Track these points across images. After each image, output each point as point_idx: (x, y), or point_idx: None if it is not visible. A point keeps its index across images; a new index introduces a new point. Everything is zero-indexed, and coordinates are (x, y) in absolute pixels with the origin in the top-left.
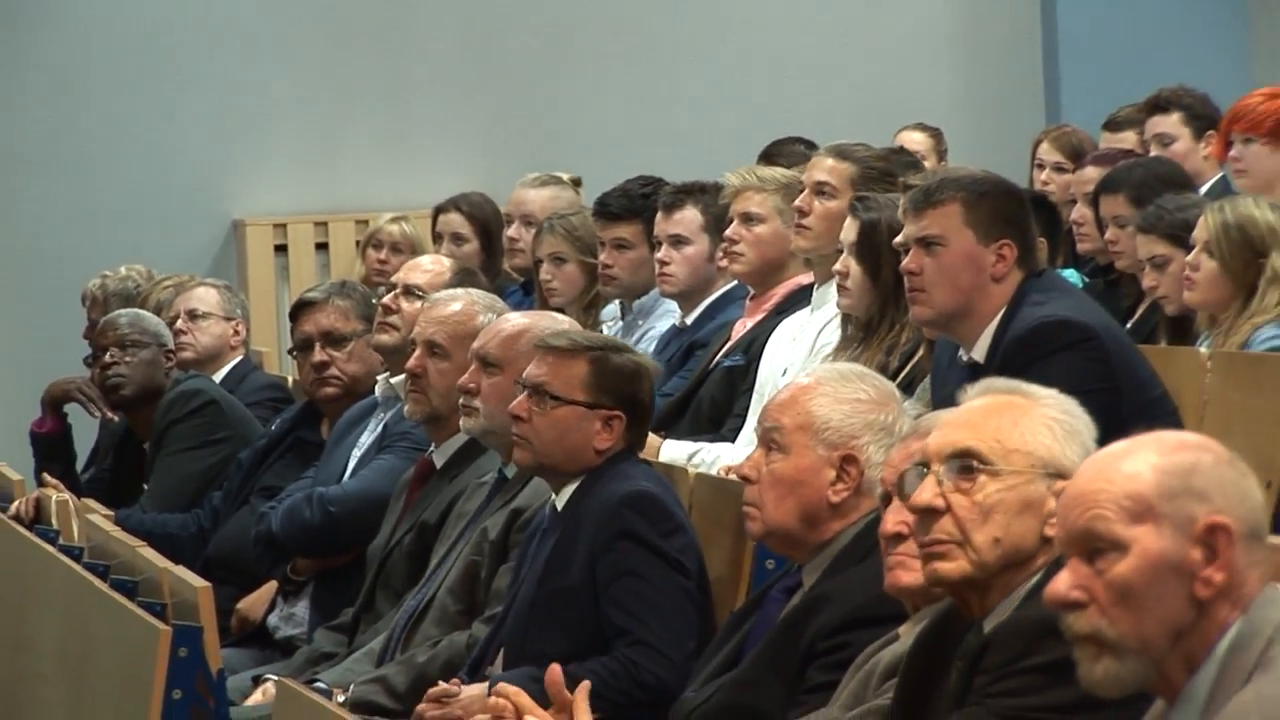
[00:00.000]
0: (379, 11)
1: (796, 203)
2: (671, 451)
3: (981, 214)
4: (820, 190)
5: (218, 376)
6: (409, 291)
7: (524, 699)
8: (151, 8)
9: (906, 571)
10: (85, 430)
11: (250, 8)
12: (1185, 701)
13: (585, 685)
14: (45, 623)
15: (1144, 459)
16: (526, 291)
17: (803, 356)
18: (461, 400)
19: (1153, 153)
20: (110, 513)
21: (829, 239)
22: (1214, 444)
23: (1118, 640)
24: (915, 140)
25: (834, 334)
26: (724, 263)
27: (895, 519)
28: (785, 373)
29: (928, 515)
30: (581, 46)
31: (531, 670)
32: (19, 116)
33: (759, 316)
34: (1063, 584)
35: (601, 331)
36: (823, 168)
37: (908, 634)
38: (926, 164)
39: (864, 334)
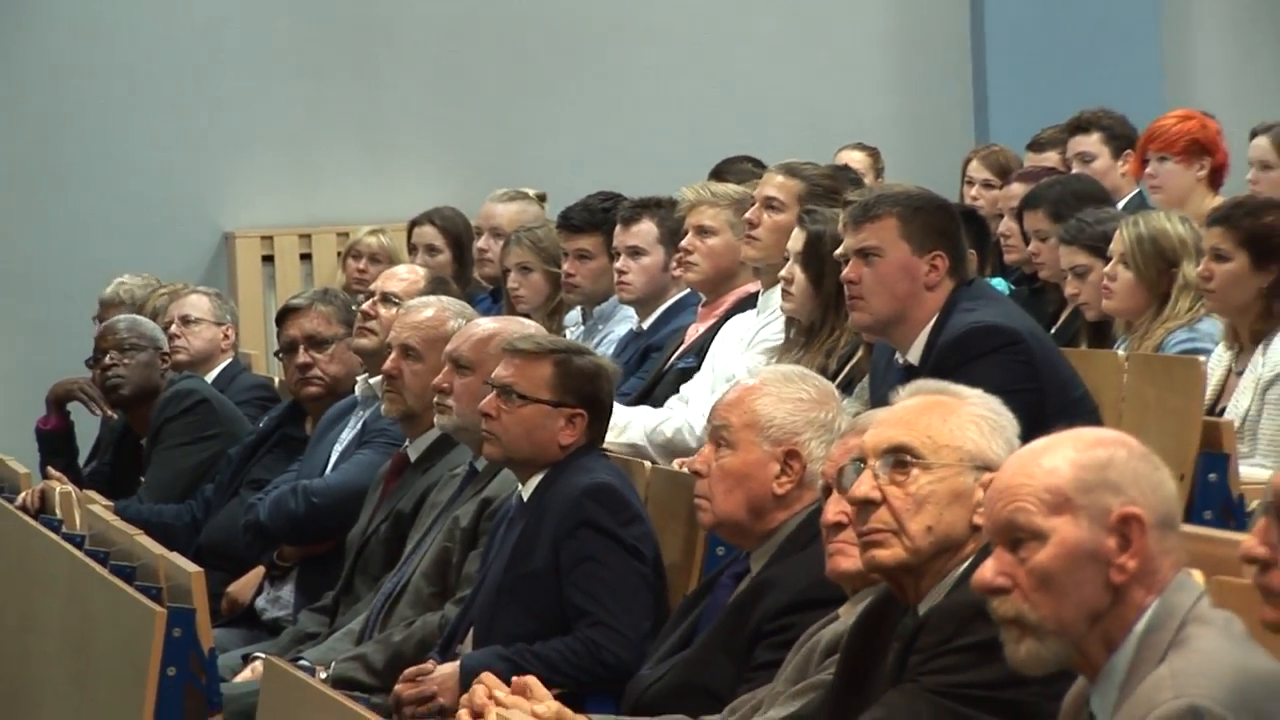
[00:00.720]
0: (358, 41)
1: (747, 215)
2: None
3: (916, 227)
4: (770, 204)
5: (209, 377)
6: (386, 299)
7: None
8: (146, 41)
9: (846, 558)
10: (87, 427)
11: (239, 39)
12: (1105, 678)
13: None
14: (50, 605)
15: (1062, 455)
16: (495, 299)
17: (741, 350)
18: (435, 399)
19: (1075, 170)
20: (110, 503)
21: (776, 249)
22: (1129, 440)
23: (1039, 623)
24: (854, 159)
25: (772, 330)
26: (678, 272)
27: (835, 509)
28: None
29: (865, 506)
30: (546, 72)
31: (499, 649)
32: (28, 139)
33: (710, 321)
34: (988, 571)
35: (564, 336)
36: (773, 184)
37: (847, 615)
38: (865, 181)
39: (806, 337)
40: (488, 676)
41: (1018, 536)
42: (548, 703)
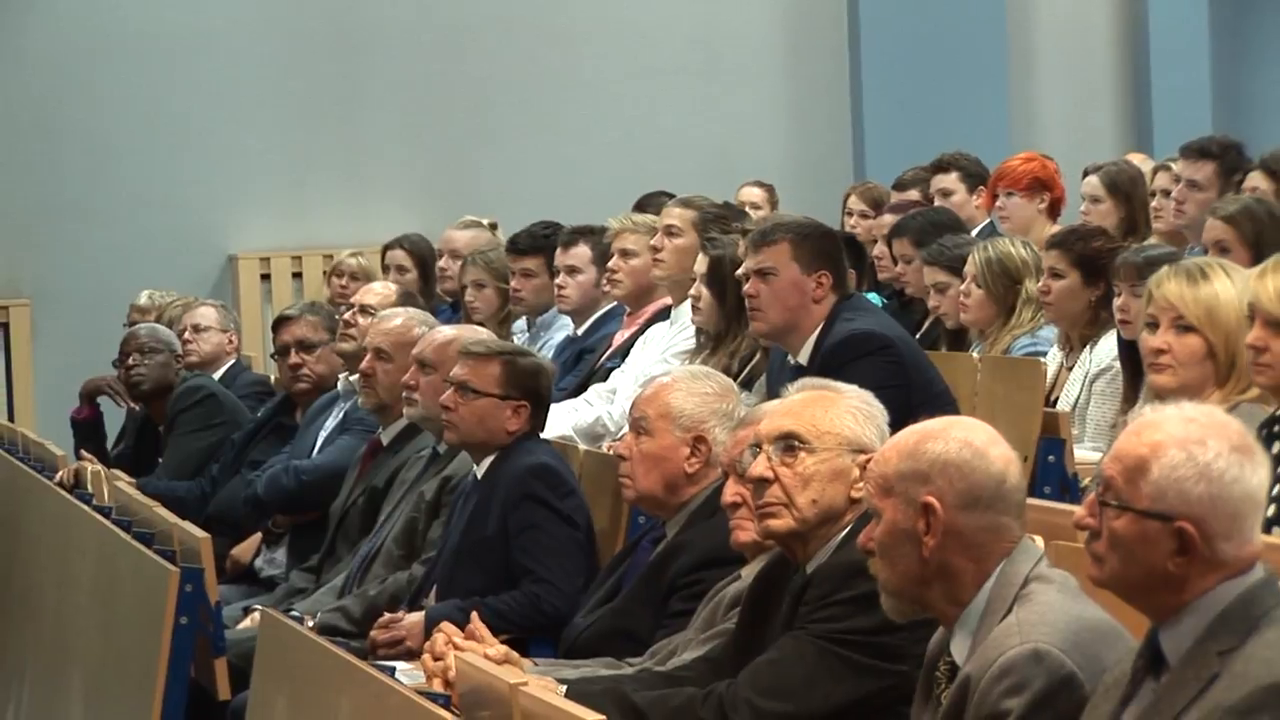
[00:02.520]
0: (341, 95)
1: (652, 242)
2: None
3: (805, 251)
4: (670, 231)
5: (216, 375)
6: (363, 310)
7: (456, 631)
8: (164, 97)
9: (744, 531)
10: (114, 417)
11: (241, 94)
12: (961, 626)
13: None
14: (82, 565)
15: (896, 445)
16: (455, 310)
17: (656, 356)
18: (404, 393)
19: (936, 203)
20: (133, 481)
21: (679, 268)
22: (953, 432)
23: (884, 583)
24: (754, 193)
25: (683, 338)
26: (607, 288)
27: (733, 491)
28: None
29: (760, 484)
30: (498, 122)
31: (457, 601)
32: (65, 180)
33: (633, 329)
34: (863, 535)
35: (512, 340)
36: (672, 214)
37: (748, 573)
38: (761, 212)
39: (713, 344)
40: (447, 625)
41: (872, 512)
42: (497, 646)
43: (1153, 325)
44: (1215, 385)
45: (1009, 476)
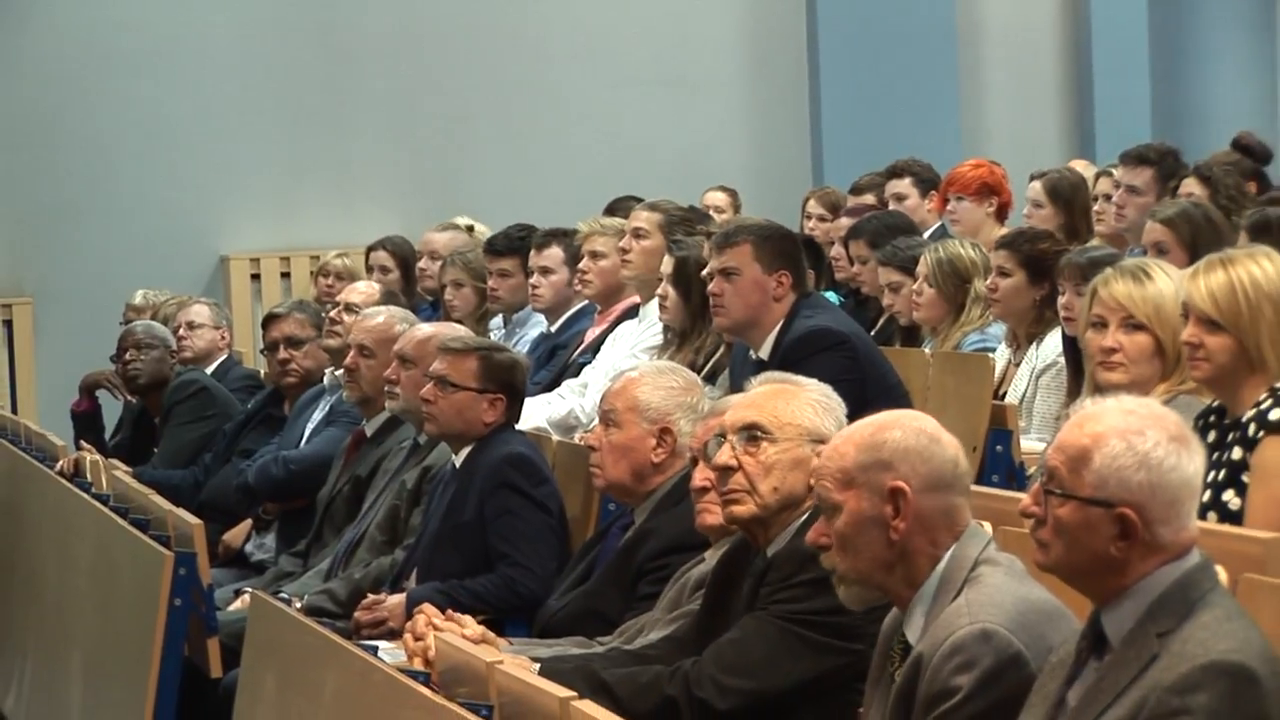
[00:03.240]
0: (328, 105)
1: (620, 243)
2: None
3: (766, 252)
4: (637, 234)
5: (209, 370)
6: (348, 308)
7: (436, 613)
8: (163, 107)
9: (710, 514)
10: (111, 409)
11: (233, 104)
12: (914, 607)
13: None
14: (81, 549)
15: (852, 439)
16: (435, 308)
17: (625, 352)
18: (386, 387)
19: (891, 207)
20: (130, 469)
21: (646, 269)
22: (908, 422)
23: (845, 573)
24: (718, 198)
25: (651, 334)
26: (579, 287)
27: (701, 476)
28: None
29: (725, 472)
30: (477, 130)
31: (437, 584)
32: (66, 183)
33: (604, 326)
34: (813, 532)
35: (488, 337)
36: (640, 218)
37: (712, 557)
38: (724, 215)
39: (679, 340)
40: (427, 606)
41: (826, 506)
42: (474, 627)
43: (1099, 325)
44: (1160, 380)
45: (960, 461)
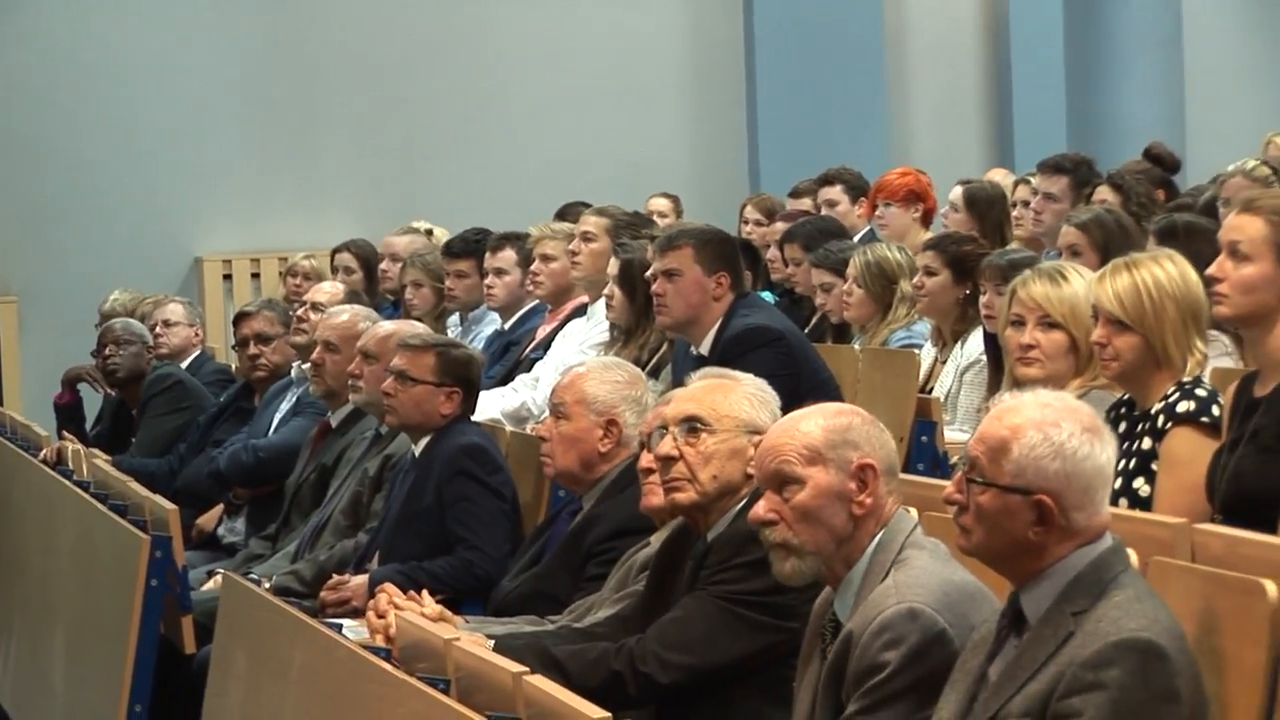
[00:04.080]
0: (296, 114)
1: (570, 246)
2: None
3: (707, 254)
4: (586, 237)
5: (184, 364)
6: (314, 307)
7: (397, 592)
8: (137, 112)
9: (654, 496)
10: (92, 402)
11: (206, 112)
12: (845, 586)
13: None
14: (64, 532)
15: (815, 421)
16: (396, 307)
17: (574, 348)
18: (349, 381)
19: (823, 212)
20: (109, 458)
21: (595, 270)
22: (861, 411)
23: (800, 545)
24: (661, 203)
25: (598, 332)
26: (531, 287)
27: (647, 458)
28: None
29: (667, 461)
30: (435, 139)
31: (397, 565)
32: (49, 188)
33: (554, 324)
34: (761, 508)
35: (446, 334)
36: (588, 222)
37: (656, 541)
38: (667, 220)
39: (625, 337)
40: (389, 586)
41: (783, 482)
42: (432, 605)
43: (1017, 323)
44: (1075, 375)
45: (894, 451)
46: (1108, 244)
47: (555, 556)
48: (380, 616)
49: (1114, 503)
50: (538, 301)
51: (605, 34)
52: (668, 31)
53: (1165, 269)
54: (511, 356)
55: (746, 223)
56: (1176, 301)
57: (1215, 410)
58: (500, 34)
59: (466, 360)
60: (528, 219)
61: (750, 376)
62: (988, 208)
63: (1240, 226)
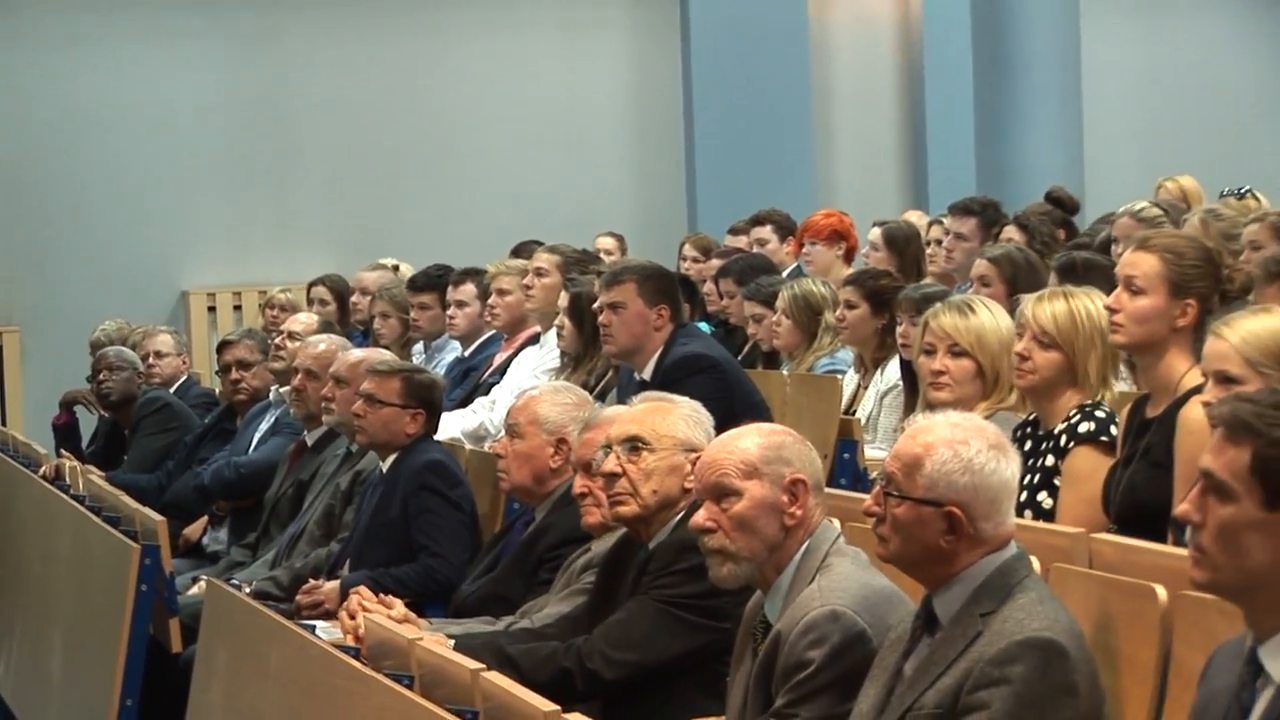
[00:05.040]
0: (275, 160)
1: (524, 281)
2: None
3: (648, 288)
4: (538, 273)
5: (172, 389)
6: (291, 336)
7: (369, 596)
8: (131, 160)
9: (591, 515)
10: (87, 423)
11: (193, 158)
12: (775, 591)
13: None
14: (61, 542)
15: (751, 439)
16: (365, 336)
17: (527, 373)
18: (323, 404)
19: (755, 250)
20: (103, 474)
21: (546, 303)
22: (791, 431)
23: (736, 552)
24: (607, 242)
25: (550, 359)
26: (488, 318)
27: (580, 483)
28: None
29: (611, 478)
30: (402, 183)
31: (367, 572)
32: (49, 229)
33: (510, 351)
34: (700, 517)
35: (411, 360)
36: (541, 259)
37: (597, 547)
38: (613, 257)
39: (574, 363)
40: (362, 589)
41: (722, 493)
42: (398, 608)
43: (929, 351)
44: (982, 399)
45: (821, 468)
46: (1015, 278)
47: (510, 563)
48: (351, 618)
49: (1019, 514)
50: (495, 331)
51: (557, 89)
52: (614, 87)
53: (1095, 304)
54: (471, 381)
55: (685, 259)
56: (1104, 334)
57: (1112, 430)
58: (461, 90)
59: (429, 384)
60: (486, 256)
61: (687, 399)
62: (905, 245)
63: (1135, 263)
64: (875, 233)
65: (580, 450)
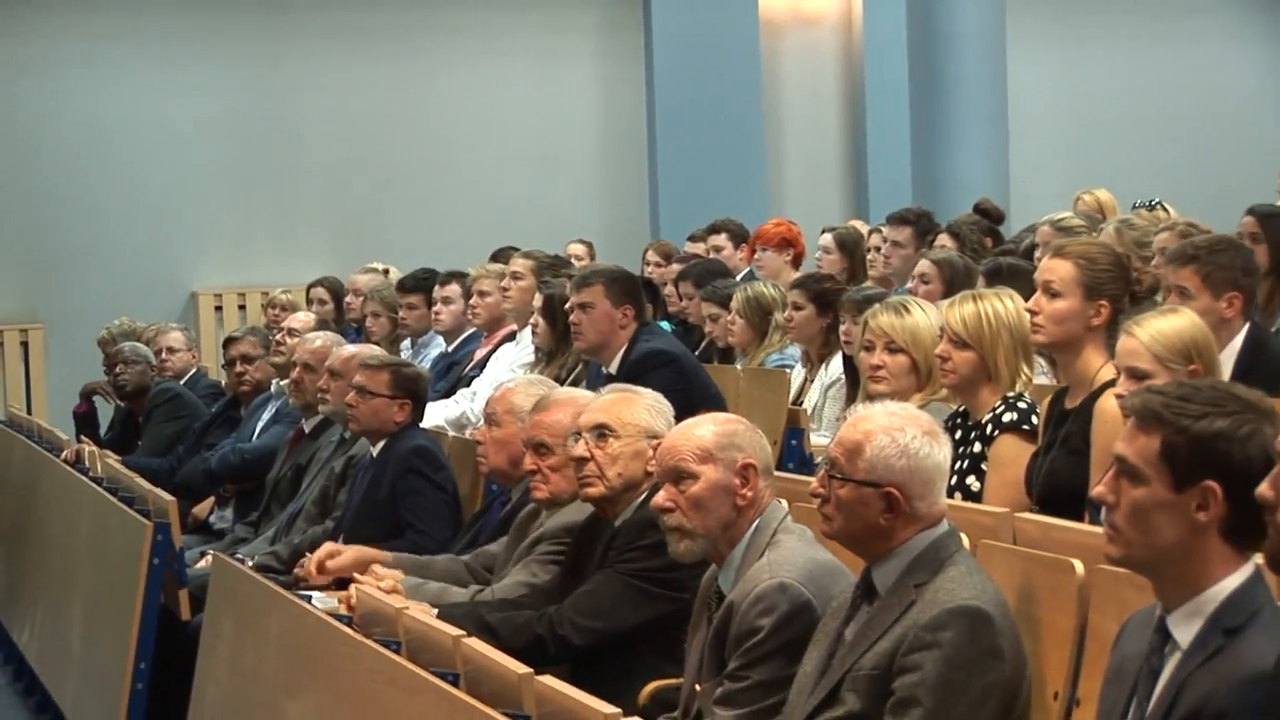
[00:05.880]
0: (276, 172)
1: (502, 284)
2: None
3: (615, 290)
4: (515, 276)
5: (182, 381)
6: (290, 333)
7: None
8: (144, 171)
9: (539, 491)
10: (105, 412)
11: (202, 170)
12: (728, 565)
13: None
14: (80, 520)
15: (707, 427)
16: (358, 333)
17: (505, 367)
18: (320, 395)
19: (711, 256)
20: (119, 458)
21: (522, 303)
22: (744, 420)
23: (693, 529)
24: (578, 248)
25: (525, 354)
26: (470, 317)
27: (530, 461)
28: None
29: (580, 462)
30: (391, 195)
31: (360, 546)
32: (71, 234)
33: (489, 347)
34: (660, 498)
35: (399, 355)
36: (517, 263)
37: (545, 516)
38: (583, 262)
39: (548, 358)
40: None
41: (680, 476)
42: (386, 580)
43: (869, 348)
44: (916, 391)
45: (770, 453)
46: (953, 279)
47: (488, 538)
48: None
49: (950, 496)
50: (475, 329)
51: (533, 111)
52: (584, 109)
53: (1004, 304)
54: (453, 374)
55: (648, 264)
56: (1010, 330)
57: (1034, 420)
58: (445, 111)
59: (415, 377)
60: (468, 260)
61: (650, 391)
62: (854, 247)
63: (1053, 268)
64: (827, 238)
65: (531, 431)
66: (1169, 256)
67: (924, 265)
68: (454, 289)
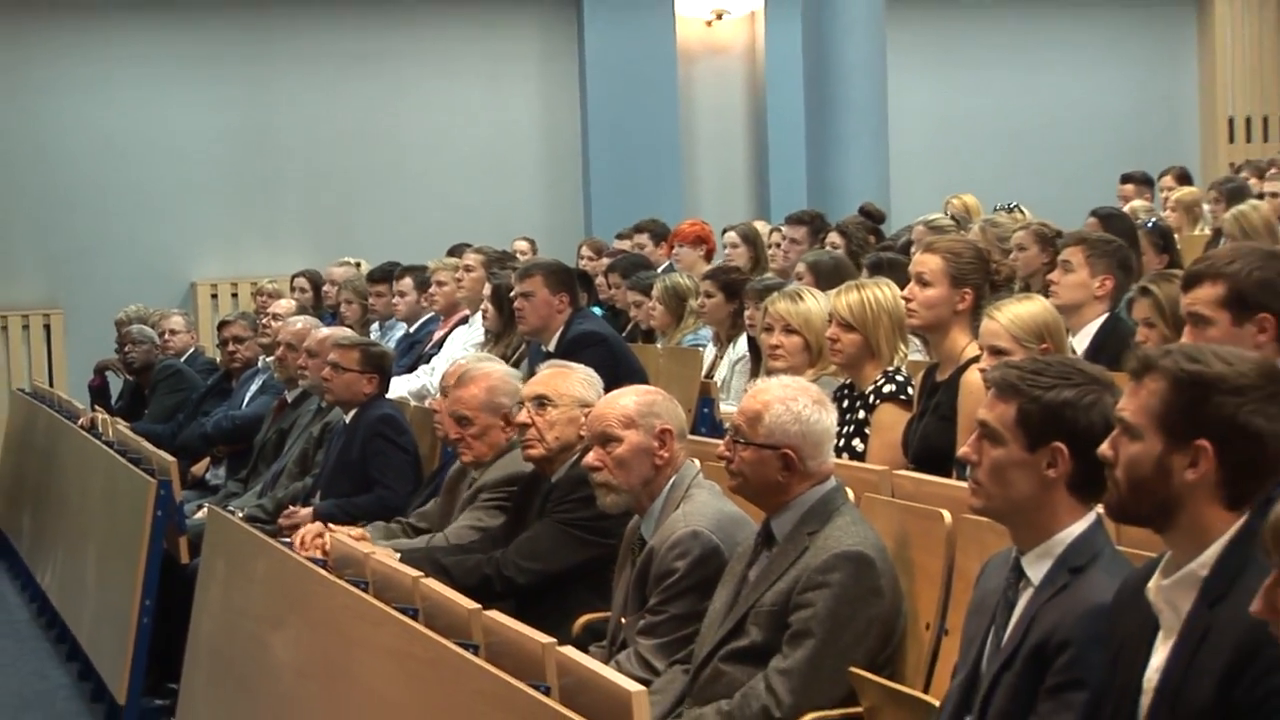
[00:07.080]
0: (264, 175)
1: (456, 275)
2: (405, 384)
3: (553, 280)
4: (468, 269)
5: (182, 358)
6: (275, 317)
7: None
8: (145, 171)
9: (465, 456)
10: (115, 385)
11: (198, 170)
12: (649, 515)
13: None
14: (94, 480)
15: (630, 398)
16: (333, 317)
17: (459, 347)
18: (300, 370)
19: (636, 251)
20: (128, 425)
21: (474, 292)
22: (662, 391)
23: (618, 485)
24: (522, 244)
25: (476, 336)
26: (427, 304)
27: (454, 431)
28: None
29: (523, 427)
30: (362, 197)
31: (334, 500)
32: (85, 230)
33: (445, 329)
34: (590, 458)
35: (368, 336)
36: (469, 257)
37: (476, 472)
38: (526, 256)
39: (495, 339)
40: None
41: (607, 439)
42: (355, 530)
43: (768, 330)
44: (809, 367)
45: (684, 420)
46: (821, 275)
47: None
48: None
49: (838, 456)
50: (434, 313)
51: (484, 125)
52: (528, 125)
53: (884, 292)
54: (415, 352)
55: (582, 258)
56: (890, 315)
57: (910, 391)
58: (409, 125)
59: (382, 355)
60: (427, 254)
61: (583, 367)
62: (755, 240)
63: (923, 261)
64: (733, 234)
65: (451, 405)
66: (1070, 235)
67: (800, 267)
68: (407, 283)
